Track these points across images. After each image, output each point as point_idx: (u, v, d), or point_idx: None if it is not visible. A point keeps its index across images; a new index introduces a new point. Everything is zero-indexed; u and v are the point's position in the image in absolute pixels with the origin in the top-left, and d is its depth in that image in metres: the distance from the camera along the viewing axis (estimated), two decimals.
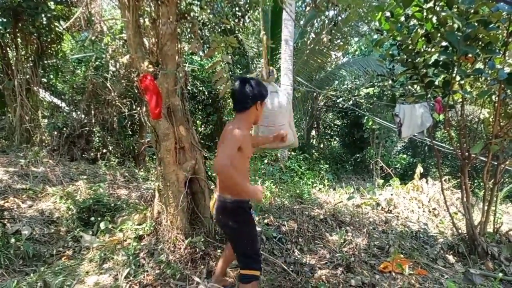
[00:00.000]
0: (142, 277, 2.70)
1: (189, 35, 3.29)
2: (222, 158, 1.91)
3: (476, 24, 3.00)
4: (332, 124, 15.12)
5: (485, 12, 3.04)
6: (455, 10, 3.08)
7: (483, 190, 4.06)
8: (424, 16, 3.34)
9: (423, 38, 3.53)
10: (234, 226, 2.18)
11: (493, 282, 3.10)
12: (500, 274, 3.16)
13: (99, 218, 3.64)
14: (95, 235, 3.49)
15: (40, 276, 2.67)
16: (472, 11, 2.99)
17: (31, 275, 2.75)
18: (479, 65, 3.44)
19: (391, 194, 5.92)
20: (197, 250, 2.96)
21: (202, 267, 2.88)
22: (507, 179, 9.72)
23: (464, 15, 3.00)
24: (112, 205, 3.98)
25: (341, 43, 10.78)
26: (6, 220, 3.50)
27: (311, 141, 15.18)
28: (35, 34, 6.44)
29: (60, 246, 3.35)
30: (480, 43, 3.20)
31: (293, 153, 9.08)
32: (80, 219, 3.75)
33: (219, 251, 3.12)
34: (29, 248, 3.06)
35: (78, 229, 3.56)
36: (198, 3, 4.26)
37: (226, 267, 2.72)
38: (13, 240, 3.08)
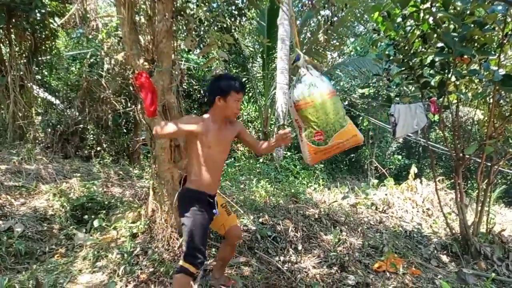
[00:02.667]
0: (136, 275, 2.68)
1: (185, 33, 3.26)
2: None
3: (471, 25, 3.02)
4: None
5: (481, 13, 3.06)
6: (452, 11, 3.09)
7: (477, 191, 4.09)
8: (421, 17, 3.35)
9: (420, 38, 3.54)
10: (182, 214, 2.21)
11: (485, 282, 3.12)
12: (493, 274, 3.19)
13: (92, 216, 3.61)
14: (88, 233, 3.46)
15: (32, 274, 2.65)
16: (468, 12, 3.01)
17: (23, 273, 2.73)
18: (475, 66, 3.46)
19: (386, 194, 5.95)
20: None
21: None
22: (500, 180, 9.81)
23: (460, 16, 3.02)
24: (106, 203, 3.95)
25: (337, 43, 10.80)
26: None
27: None
28: (29, 30, 6.36)
29: (53, 243, 3.32)
30: (475, 44, 3.22)
31: (288, 152, 9.09)
32: (74, 216, 3.72)
33: (213, 249, 3.11)
34: (21, 245, 3.03)
35: (71, 227, 3.53)
36: (195, 0, 4.24)
37: (225, 267, 2.72)
38: (5, 237, 3.05)
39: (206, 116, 2.30)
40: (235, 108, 2.28)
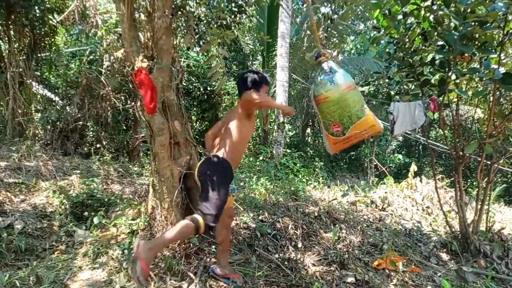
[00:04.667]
0: None
1: (184, 30, 3.25)
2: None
3: (472, 23, 3.01)
4: None
5: (482, 11, 3.05)
6: (453, 9, 3.08)
7: (477, 189, 4.10)
8: (422, 15, 3.34)
9: (420, 36, 3.54)
10: (218, 180, 2.35)
11: (485, 280, 3.14)
12: (492, 272, 3.20)
13: (92, 213, 3.60)
14: (88, 230, 3.46)
15: (33, 270, 2.65)
16: (469, 10, 3.00)
17: (24, 269, 2.73)
18: (475, 64, 3.46)
19: (385, 192, 5.96)
20: (191, 245, 2.96)
21: (197, 262, 2.87)
22: (499, 179, 9.82)
23: (461, 14, 3.01)
24: (106, 200, 3.95)
25: (337, 41, 10.78)
26: None
27: (306, 138, 15.21)
28: (28, 27, 6.34)
29: (53, 240, 3.31)
30: (476, 42, 3.21)
31: (288, 150, 9.09)
32: (73, 213, 3.72)
33: (213, 246, 3.12)
34: (21, 242, 3.02)
35: (71, 224, 3.52)
36: None
37: (227, 252, 2.77)
38: (5, 234, 3.05)
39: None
40: None
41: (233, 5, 6.29)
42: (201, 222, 2.22)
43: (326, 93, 2.51)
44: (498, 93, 3.52)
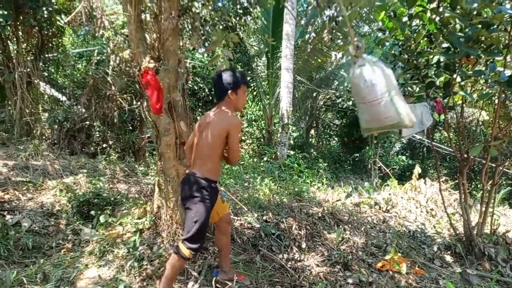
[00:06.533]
0: (142, 270, 2.72)
1: (190, 31, 3.28)
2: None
3: (478, 25, 3.01)
4: (331, 124, 15.13)
5: (488, 14, 3.05)
6: (459, 11, 3.08)
7: (481, 192, 4.08)
8: (428, 17, 3.34)
9: (425, 38, 3.54)
10: (198, 201, 2.27)
11: (489, 283, 3.13)
12: (497, 275, 3.19)
13: (98, 212, 3.65)
14: (94, 228, 3.50)
15: (40, 268, 2.69)
16: (475, 12, 3.00)
17: (31, 266, 2.77)
18: (480, 67, 3.45)
19: (389, 194, 5.94)
20: None
21: (202, 261, 2.89)
22: (504, 181, 9.75)
23: (467, 16, 3.01)
24: (112, 199, 3.99)
25: (342, 43, 10.78)
26: (6, 212, 3.51)
27: (310, 140, 15.20)
28: (36, 28, 6.43)
29: (60, 238, 3.36)
30: (482, 45, 3.21)
31: (292, 151, 9.10)
32: (80, 212, 3.76)
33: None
34: (29, 240, 3.07)
35: (77, 222, 3.57)
36: None
37: (228, 257, 2.77)
38: (13, 231, 3.10)
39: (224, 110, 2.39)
40: (245, 100, 2.48)
41: (238, 6, 6.32)
42: (184, 251, 2.24)
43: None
44: (503, 95, 3.51)
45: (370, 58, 2.46)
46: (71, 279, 2.64)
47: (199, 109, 9.73)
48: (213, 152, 2.33)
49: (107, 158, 6.06)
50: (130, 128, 7.88)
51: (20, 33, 6.42)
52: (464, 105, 3.97)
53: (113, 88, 6.31)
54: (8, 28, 6.26)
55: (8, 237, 3.04)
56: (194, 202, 2.28)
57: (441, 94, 3.67)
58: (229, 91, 2.37)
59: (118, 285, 2.52)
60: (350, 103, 11.22)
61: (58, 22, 6.69)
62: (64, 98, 7.62)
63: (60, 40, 7.13)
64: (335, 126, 14.79)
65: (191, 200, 2.29)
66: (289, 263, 3.13)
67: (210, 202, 2.32)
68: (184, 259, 2.28)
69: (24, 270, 2.71)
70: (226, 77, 2.40)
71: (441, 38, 3.36)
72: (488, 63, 3.34)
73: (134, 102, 6.89)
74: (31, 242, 3.08)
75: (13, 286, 2.43)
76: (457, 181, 4.60)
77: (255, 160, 8.56)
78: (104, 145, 6.91)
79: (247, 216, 3.82)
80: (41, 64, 6.77)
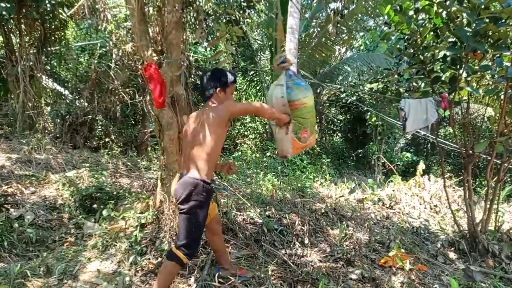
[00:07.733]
0: (144, 264, 2.72)
1: (194, 25, 3.25)
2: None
3: (486, 20, 2.96)
4: (335, 119, 15.06)
5: (496, 8, 2.99)
6: (466, 5, 3.03)
7: (486, 188, 4.05)
8: (434, 11, 3.29)
9: (432, 32, 3.49)
10: (195, 205, 2.18)
11: (493, 280, 3.11)
12: (501, 272, 3.17)
13: (101, 206, 3.65)
14: (97, 222, 3.51)
15: (43, 261, 2.69)
16: (483, 6, 2.94)
17: (34, 260, 2.78)
18: (487, 62, 3.40)
19: (393, 190, 5.91)
20: None
21: (204, 256, 2.89)
22: (509, 178, 9.69)
23: (475, 10, 2.96)
24: (115, 193, 3.99)
25: (346, 38, 10.69)
26: (10, 205, 3.52)
27: None
28: (39, 21, 6.41)
29: (63, 232, 3.36)
30: (489, 39, 3.16)
31: None
32: (82, 206, 3.77)
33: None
34: (32, 233, 3.08)
35: (80, 216, 3.58)
36: None
37: (226, 254, 2.74)
38: (16, 225, 3.10)
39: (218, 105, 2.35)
40: (232, 100, 2.46)
41: (241, 0, 6.27)
42: (181, 256, 2.18)
43: (305, 99, 2.46)
44: (510, 91, 3.46)
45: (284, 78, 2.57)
46: (74, 273, 2.65)
47: (202, 103, 9.68)
48: (212, 151, 2.22)
49: (110, 152, 6.07)
50: (133, 122, 7.88)
51: (22, 26, 6.40)
52: (469, 100, 3.93)
53: (115, 82, 6.29)
54: (11, 21, 6.24)
55: (11, 230, 3.04)
56: (190, 206, 2.19)
57: (446, 89, 3.62)
58: (218, 89, 2.33)
59: (122, 279, 2.52)
60: (354, 98, 11.16)
61: (60, 15, 6.65)
62: (66, 92, 7.62)
63: (62, 34, 7.10)
64: (338, 121, 14.72)
65: (187, 204, 2.19)
66: (292, 258, 3.12)
67: (206, 205, 2.25)
68: (180, 265, 2.23)
69: (27, 263, 2.72)
70: (216, 74, 2.38)
71: (447, 32, 3.31)
72: (495, 58, 3.29)
73: (137, 96, 6.88)
74: (35, 235, 3.08)
75: (17, 278, 2.44)
76: (461, 177, 4.57)
77: (257, 155, 8.54)
78: (107, 139, 6.92)
79: (250, 211, 3.81)
80: (43, 57, 6.76)
